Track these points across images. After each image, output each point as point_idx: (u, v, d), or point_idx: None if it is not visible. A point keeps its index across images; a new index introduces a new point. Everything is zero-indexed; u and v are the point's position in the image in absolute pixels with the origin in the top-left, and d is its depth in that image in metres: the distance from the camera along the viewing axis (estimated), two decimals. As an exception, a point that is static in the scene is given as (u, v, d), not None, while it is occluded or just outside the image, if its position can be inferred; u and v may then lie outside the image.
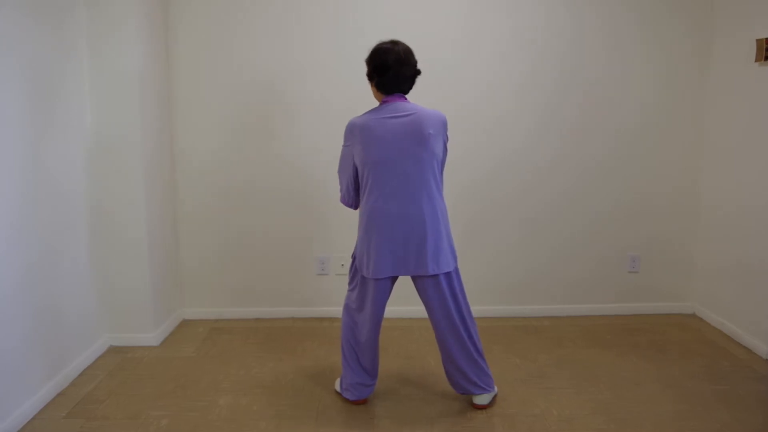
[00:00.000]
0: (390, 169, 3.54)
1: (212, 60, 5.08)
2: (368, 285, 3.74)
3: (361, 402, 3.96)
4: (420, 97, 4.08)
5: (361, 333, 3.86)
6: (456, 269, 3.73)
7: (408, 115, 3.52)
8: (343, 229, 5.26)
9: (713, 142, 5.27)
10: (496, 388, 3.98)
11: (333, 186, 5.08)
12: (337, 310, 5.32)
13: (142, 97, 4.57)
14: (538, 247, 5.42)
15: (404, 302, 5.00)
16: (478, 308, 5.29)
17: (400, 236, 3.57)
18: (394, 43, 3.59)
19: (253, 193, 5.26)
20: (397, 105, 3.57)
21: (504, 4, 5.11)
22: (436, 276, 3.62)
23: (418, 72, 3.63)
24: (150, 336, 4.81)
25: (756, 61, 4.70)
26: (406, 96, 3.66)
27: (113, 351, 4.72)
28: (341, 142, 4.48)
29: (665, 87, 5.28)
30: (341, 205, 4.97)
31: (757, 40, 4.67)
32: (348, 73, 5.08)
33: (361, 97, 4.85)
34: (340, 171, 3.79)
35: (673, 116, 5.32)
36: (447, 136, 3.67)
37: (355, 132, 3.60)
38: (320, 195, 5.24)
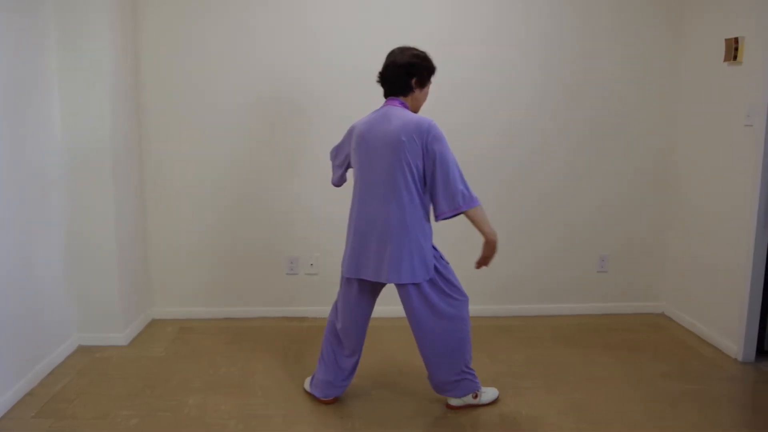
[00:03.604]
0: (367, 174, 3.72)
1: (180, 62, 5.18)
2: (345, 283, 3.93)
3: (329, 401, 4.08)
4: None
5: (342, 331, 4.00)
6: (432, 281, 3.77)
7: (390, 122, 3.64)
8: (312, 229, 5.43)
9: (684, 143, 5.46)
10: (480, 396, 4.06)
11: (301, 186, 5.23)
12: (306, 309, 5.52)
13: (111, 102, 4.68)
14: (509, 248, 5.52)
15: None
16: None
17: (366, 240, 3.73)
18: (399, 48, 3.78)
19: (222, 192, 5.36)
20: (387, 110, 3.72)
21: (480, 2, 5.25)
22: (404, 285, 3.72)
23: (409, 75, 3.72)
24: (119, 336, 4.90)
25: (725, 60, 4.85)
26: (405, 99, 3.77)
27: (82, 350, 4.80)
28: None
29: (637, 89, 5.46)
30: (309, 205, 5.26)
31: (726, 40, 4.81)
32: (320, 75, 5.22)
33: (330, 98, 5.02)
34: (334, 149, 4.11)
35: (644, 117, 5.50)
36: (433, 142, 3.59)
37: (352, 133, 3.85)
38: (289, 195, 5.36)
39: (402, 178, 3.61)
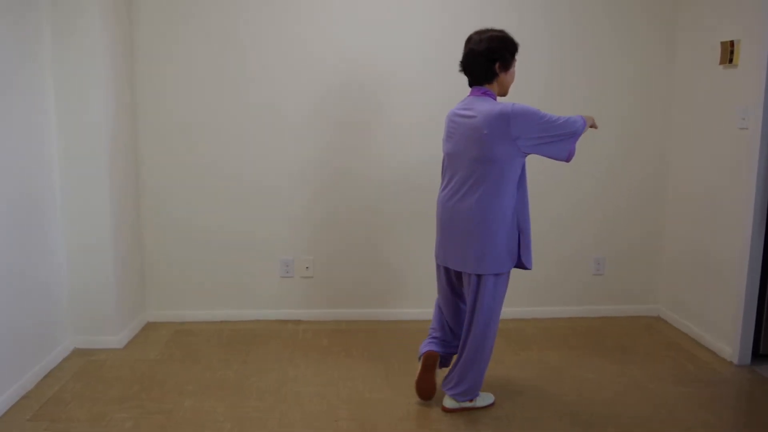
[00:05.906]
0: (453, 164, 3.81)
1: (176, 62, 5.23)
2: (438, 268, 4.09)
3: (431, 354, 4.11)
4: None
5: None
6: (505, 276, 3.89)
7: (472, 115, 3.67)
8: (307, 232, 5.48)
9: (679, 146, 5.52)
10: (476, 400, 4.09)
11: (296, 189, 5.29)
12: (301, 312, 5.58)
13: (107, 103, 4.74)
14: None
15: (366, 304, 5.36)
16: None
17: (451, 230, 3.82)
18: (476, 33, 3.76)
19: (217, 195, 5.41)
20: (471, 101, 3.76)
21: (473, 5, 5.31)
22: (484, 275, 3.78)
23: (490, 61, 3.67)
24: (114, 338, 4.96)
25: (720, 63, 4.91)
26: (490, 86, 3.76)
27: (78, 353, 4.86)
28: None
29: (630, 91, 5.52)
30: (305, 207, 5.29)
31: (722, 43, 4.87)
32: (317, 76, 5.28)
33: (327, 101, 5.06)
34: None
35: (639, 120, 5.56)
36: (519, 124, 3.57)
37: (445, 120, 3.91)
38: (285, 197, 5.42)
39: (483, 170, 3.65)
